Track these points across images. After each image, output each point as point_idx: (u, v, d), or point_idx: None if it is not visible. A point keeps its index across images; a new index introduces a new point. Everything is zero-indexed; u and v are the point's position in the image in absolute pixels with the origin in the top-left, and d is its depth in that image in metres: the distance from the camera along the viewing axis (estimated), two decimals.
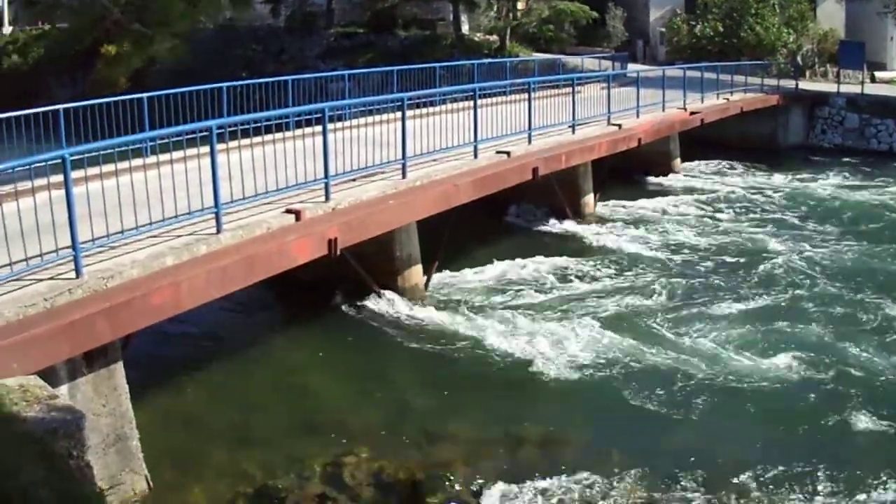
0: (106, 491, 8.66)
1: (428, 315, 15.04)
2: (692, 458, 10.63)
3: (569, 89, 21.15)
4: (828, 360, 13.35)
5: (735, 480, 10.14)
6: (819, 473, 10.24)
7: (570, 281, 17.27)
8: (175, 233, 11.04)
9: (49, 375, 8.66)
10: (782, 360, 13.40)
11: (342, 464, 10.45)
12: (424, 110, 16.97)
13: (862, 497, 9.86)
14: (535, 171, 17.98)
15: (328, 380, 13.26)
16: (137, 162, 10.95)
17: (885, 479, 10.15)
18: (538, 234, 21.16)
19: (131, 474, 9.73)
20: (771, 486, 10.03)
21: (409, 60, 32.30)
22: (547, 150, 19.11)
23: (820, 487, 10.00)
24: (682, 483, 10.11)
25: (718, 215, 23.30)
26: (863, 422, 11.56)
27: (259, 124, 13.64)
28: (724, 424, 11.54)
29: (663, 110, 25.93)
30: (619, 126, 22.73)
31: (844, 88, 35.30)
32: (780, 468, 10.36)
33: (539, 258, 18.39)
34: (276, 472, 10.34)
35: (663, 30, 48.79)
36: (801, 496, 9.85)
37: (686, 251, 19.54)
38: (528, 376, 13.00)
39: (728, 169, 30.36)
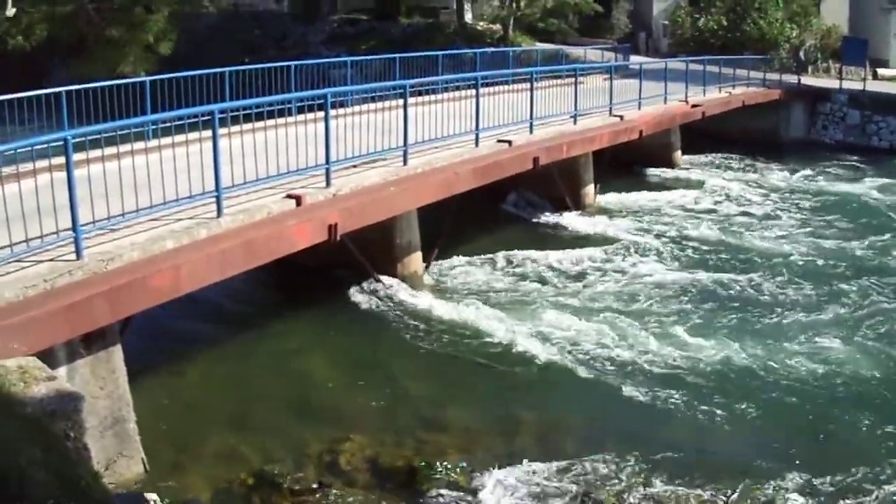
0: (103, 473, 8.66)
1: (427, 303, 15.05)
2: (688, 446, 10.70)
3: (571, 80, 21.14)
4: (827, 355, 13.39)
5: (731, 469, 10.18)
6: (818, 469, 10.23)
7: (569, 271, 17.27)
8: (176, 216, 11.04)
9: (48, 357, 8.67)
10: (782, 351, 13.42)
11: (339, 450, 10.47)
12: (426, 98, 16.96)
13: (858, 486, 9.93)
14: (535, 160, 17.98)
15: (326, 365, 13.27)
16: (139, 145, 11.00)
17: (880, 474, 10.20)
18: (538, 224, 21.14)
19: (128, 457, 9.75)
20: (765, 475, 10.04)
21: (412, 48, 32.21)
22: (548, 139, 19.10)
23: (818, 483, 10.00)
24: (679, 470, 10.12)
25: (717, 208, 23.27)
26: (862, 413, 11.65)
27: (261, 109, 13.65)
28: (721, 414, 11.53)
29: (665, 102, 25.92)
30: (621, 117, 22.72)
31: (847, 85, 35.21)
32: (775, 458, 10.40)
33: (539, 248, 18.39)
34: (273, 456, 10.36)
35: (666, 22, 48.77)
36: (796, 487, 9.86)
37: (685, 244, 19.52)
38: (526, 365, 13.03)
39: (728, 163, 30.32)
